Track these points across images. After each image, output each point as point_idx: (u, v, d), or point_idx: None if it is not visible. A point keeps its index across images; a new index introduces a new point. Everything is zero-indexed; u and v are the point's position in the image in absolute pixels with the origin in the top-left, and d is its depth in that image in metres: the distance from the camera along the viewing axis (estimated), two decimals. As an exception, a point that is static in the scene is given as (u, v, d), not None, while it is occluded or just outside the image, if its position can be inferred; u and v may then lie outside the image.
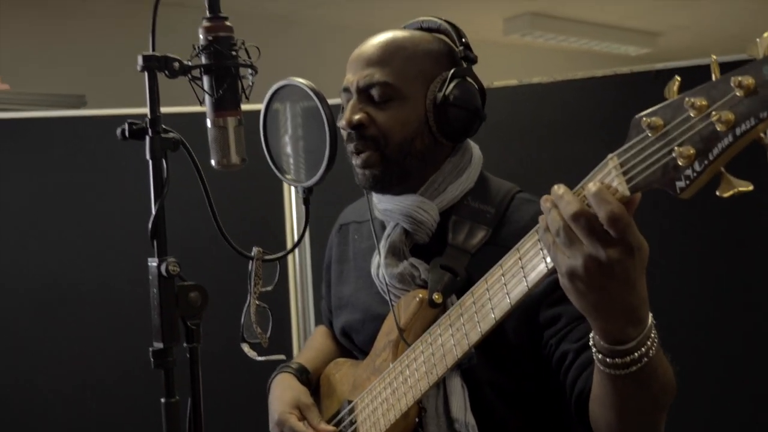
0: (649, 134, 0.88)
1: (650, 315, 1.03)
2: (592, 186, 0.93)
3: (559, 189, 0.98)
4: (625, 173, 0.91)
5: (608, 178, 0.93)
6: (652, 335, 1.02)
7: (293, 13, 6.03)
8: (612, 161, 0.92)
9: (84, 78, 4.95)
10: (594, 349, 1.05)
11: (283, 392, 1.57)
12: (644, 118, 0.88)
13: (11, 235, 2.58)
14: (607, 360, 1.02)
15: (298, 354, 1.78)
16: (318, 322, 2.69)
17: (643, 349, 1.01)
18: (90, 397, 2.59)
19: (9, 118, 2.70)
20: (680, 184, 0.85)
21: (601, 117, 2.46)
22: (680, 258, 2.35)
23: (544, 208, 0.99)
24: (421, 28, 1.53)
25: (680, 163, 0.85)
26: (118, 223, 2.63)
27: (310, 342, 1.80)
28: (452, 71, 1.42)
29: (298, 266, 2.77)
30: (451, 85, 1.41)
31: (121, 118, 2.60)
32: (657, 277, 1.16)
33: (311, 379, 1.63)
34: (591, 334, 1.05)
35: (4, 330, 2.56)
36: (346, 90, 1.47)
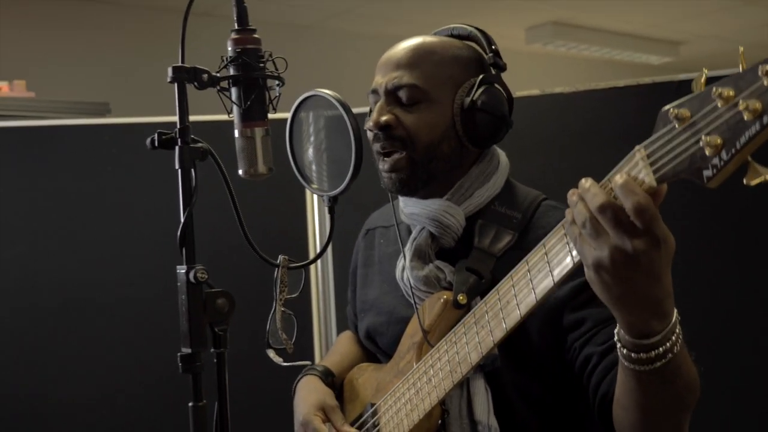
0: (677, 125, 0.88)
1: (675, 311, 1.03)
2: (618, 178, 0.94)
3: (586, 182, 0.99)
4: (652, 164, 0.92)
5: (635, 170, 0.94)
6: (677, 331, 1.03)
7: (316, 23, 6.07)
8: (639, 153, 0.93)
9: (108, 86, 5.01)
10: (619, 344, 1.06)
11: (308, 394, 1.59)
12: (672, 110, 0.89)
13: (37, 241, 2.61)
14: (632, 355, 1.03)
15: (324, 358, 1.80)
16: (340, 328, 2.71)
17: (668, 344, 1.02)
18: (114, 403, 2.61)
19: (34, 125, 2.73)
20: (707, 173, 0.86)
21: (623, 127, 2.46)
22: (697, 254, 2.34)
23: (570, 201, 1.00)
24: (452, 35, 1.54)
25: (707, 153, 0.85)
26: (143, 229, 2.66)
27: (335, 347, 1.82)
28: (481, 77, 1.44)
29: (321, 274, 2.79)
30: (479, 91, 1.42)
31: (145, 126, 2.65)
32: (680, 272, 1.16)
33: (336, 382, 1.65)
34: (616, 330, 1.06)
35: (29, 334, 2.58)
36: (374, 92, 1.48)
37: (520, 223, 1.45)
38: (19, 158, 2.63)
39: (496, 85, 1.45)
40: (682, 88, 2.37)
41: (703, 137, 0.85)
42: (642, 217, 0.92)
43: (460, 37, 1.54)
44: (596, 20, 6.75)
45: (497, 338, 1.21)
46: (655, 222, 0.93)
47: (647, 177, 0.92)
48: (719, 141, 0.84)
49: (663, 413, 1.12)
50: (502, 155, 1.54)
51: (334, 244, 2.71)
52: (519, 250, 1.39)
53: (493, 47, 1.48)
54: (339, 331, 2.73)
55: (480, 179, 1.48)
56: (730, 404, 2.31)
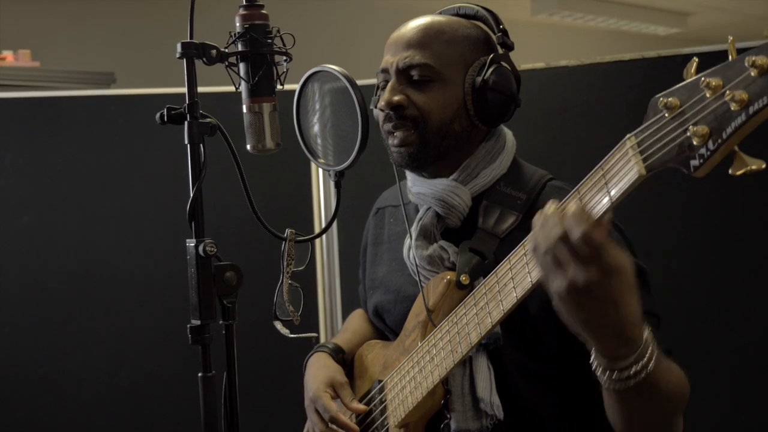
0: (666, 114, 0.91)
1: (647, 331, 1.07)
2: (571, 206, 0.99)
3: (549, 207, 1.03)
4: (642, 152, 0.94)
5: (625, 158, 0.96)
6: (650, 350, 1.06)
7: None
8: (630, 141, 0.96)
9: (114, 55, 5.00)
10: (594, 363, 1.09)
11: (318, 371, 1.61)
12: (661, 99, 0.91)
13: (43, 212, 2.62)
14: (605, 375, 1.07)
15: (336, 335, 1.82)
16: (344, 302, 2.73)
17: (639, 366, 1.05)
18: (122, 375, 2.64)
19: (39, 96, 2.74)
20: (694, 162, 0.88)
21: (628, 100, 2.46)
22: (695, 248, 2.37)
23: (534, 225, 1.05)
24: (458, 14, 1.55)
25: (695, 142, 0.88)
26: (149, 200, 2.67)
27: (347, 324, 1.84)
28: (491, 56, 1.45)
29: (326, 248, 2.80)
30: (490, 70, 1.43)
31: (152, 97, 2.65)
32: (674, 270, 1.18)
33: (346, 359, 1.67)
34: (592, 349, 1.10)
35: (35, 305, 2.61)
36: (384, 71, 1.48)
37: (524, 204, 1.46)
38: (25, 129, 2.64)
39: (505, 64, 1.46)
40: (687, 62, 2.38)
41: (690, 127, 0.88)
42: (589, 245, 0.96)
43: (466, 16, 1.54)
44: (602, -10, 6.71)
45: (495, 319, 1.23)
46: (602, 251, 0.97)
47: (637, 165, 0.94)
48: (706, 131, 0.86)
49: (645, 422, 1.17)
50: (508, 134, 1.55)
51: (339, 219, 2.74)
52: (522, 231, 1.40)
53: (501, 26, 1.49)
54: (344, 304, 2.77)
55: (487, 159, 1.49)
56: (727, 404, 2.34)
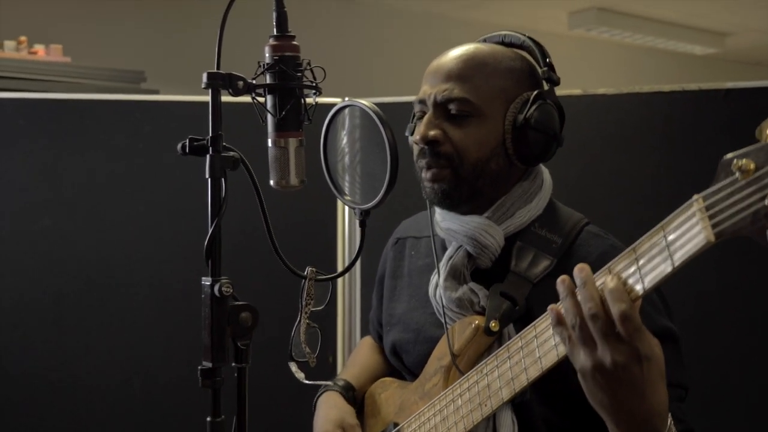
0: (739, 177, 0.83)
1: (669, 419, 1.02)
2: (610, 281, 0.94)
3: (581, 272, 0.98)
4: (711, 217, 0.86)
5: (691, 221, 0.89)
6: None
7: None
8: (697, 203, 0.88)
9: (145, 55, 4.98)
10: None
11: (329, 411, 1.55)
12: (735, 160, 0.83)
13: (62, 216, 2.59)
14: None
15: (344, 368, 1.76)
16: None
17: None
18: (132, 384, 2.60)
19: (66, 98, 2.69)
20: None
21: (666, 133, 2.40)
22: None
23: (560, 291, 1.00)
24: (503, 43, 1.48)
25: None
26: (169, 210, 2.63)
27: (355, 356, 1.77)
28: (535, 93, 1.38)
29: (348, 288, 2.71)
30: (533, 108, 1.36)
31: (179, 105, 2.60)
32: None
33: (357, 397, 1.61)
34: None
35: (47, 309, 2.56)
36: (422, 102, 1.42)
37: (560, 249, 1.39)
38: (49, 131, 2.60)
39: (549, 101, 1.39)
40: (730, 96, 2.31)
41: None
42: (626, 326, 0.92)
43: (512, 45, 1.48)
44: (641, 7, 6.62)
45: (531, 377, 1.17)
46: (637, 334, 0.93)
47: (705, 230, 0.87)
48: None
49: None
50: (546, 173, 1.48)
51: (362, 258, 2.67)
52: (556, 277, 1.34)
53: (548, 60, 1.42)
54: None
55: (523, 198, 1.42)
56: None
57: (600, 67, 7.79)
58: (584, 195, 2.40)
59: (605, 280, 0.96)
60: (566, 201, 1.53)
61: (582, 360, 0.97)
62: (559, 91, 1.70)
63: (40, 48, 4.06)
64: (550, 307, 1.06)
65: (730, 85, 2.31)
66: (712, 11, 6.69)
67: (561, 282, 1.00)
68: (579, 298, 0.96)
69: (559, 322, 1.00)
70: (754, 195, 0.82)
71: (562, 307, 0.99)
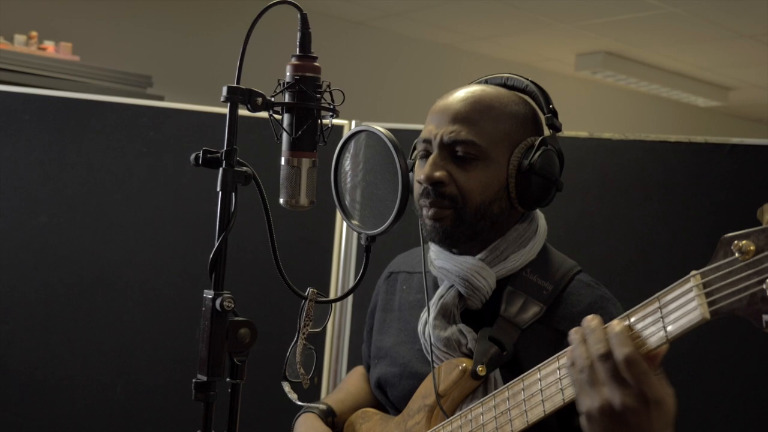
0: (739, 258, 0.84)
1: None
2: (616, 324, 0.95)
3: (592, 321, 1.00)
4: (708, 294, 0.87)
5: (688, 296, 0.90)
6: None
7: (367, 21, 6.03)
8: (694, 279, 0.89)
9: (153, 59, 4.99)
10: None
11: None
12: (735, 241, 0.84)
13: (60, 214, 2.58)
14: None
15: (330, 393, 1.74)
16: (351, 366, 2.65)
17: None
18: (125, 383, 2.58)
19: (73, 97, 2.69)
20: (767, 318, 0.81)
21: (668, 183, 2.42)
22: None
23: (572, 340, 1.01)
24: (505, 85, 1.49)
25: None
26: (169, 215, 2.62)
27: (343, 383, 1.76)
28: (540, 139, 1.39)
29: (339, 313, 2.69)
30: (537, 154, 1.37)
31: (186, 113, 2.59)
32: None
33: (337, 423, 1.60)
34: None
35: (43, 306, 2.55)
36: (427, 141, 1.42)
37: (550, 296, 1.39)
38: (53, 128, 2.60)
39: (552, 147, 1.40)
40: (734, 151, 2.33)
41: None
42: (631, 370, 0.93)
43: (515, 88, 1.48)
44: (648, 56, 6.67)
45: (517, 429, 1.17)
46: (644, 378, 0.93)
47: (701, 307, 0.88)
48: None
49: None
50: (541, 218, 1.49)
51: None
52: (545, 326, 1.35)
53: (551, 106, 1.43)
54: (350, 366, 2.67)
55: (517, 243, 1.43)
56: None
57: (602, 110, 7.84)
58: (582, 235, 2.41)
59: (611, 324, 0.98)
60: (564, 239, 1.53)
61: (589, 401, 0.97)
62: (566, 133, 1.72)
63: (50, 44, 4.06)
64: (562, 351, 1.07)
65: (736, 140, 2.33)
66: (718, 65, 6.74)
67: (575, 332, 1.01)
68: (588, 341, 0.98)
69: (571, 365, 1.02)
70: (753, 278, 0.83)
71: (573, 353, 1.00)
